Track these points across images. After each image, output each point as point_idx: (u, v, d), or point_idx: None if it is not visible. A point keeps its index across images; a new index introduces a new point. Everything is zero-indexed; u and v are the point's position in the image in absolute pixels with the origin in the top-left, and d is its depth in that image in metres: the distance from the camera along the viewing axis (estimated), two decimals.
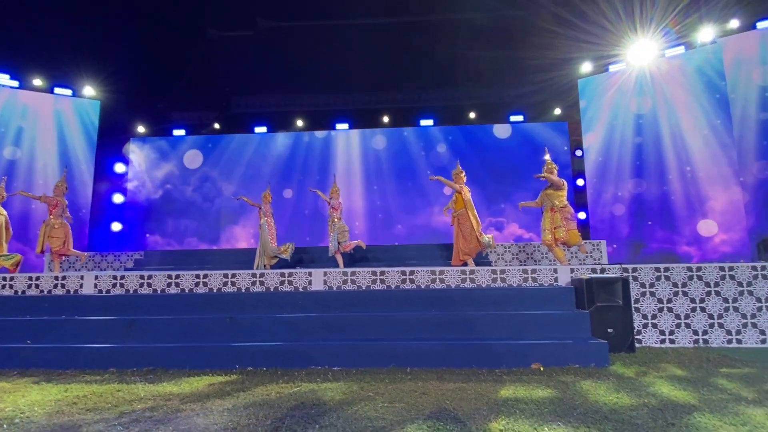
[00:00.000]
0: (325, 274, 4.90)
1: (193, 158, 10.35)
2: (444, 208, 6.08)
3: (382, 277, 4.87)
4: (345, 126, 10.23)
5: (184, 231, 10.04)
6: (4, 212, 5.53)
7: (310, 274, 4.90)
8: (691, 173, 8.31)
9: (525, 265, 7.35)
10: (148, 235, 10.08)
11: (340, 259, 6.22)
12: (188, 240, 10.00)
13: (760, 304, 4.46)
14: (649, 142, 8.76)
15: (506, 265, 7.34)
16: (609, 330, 4.11)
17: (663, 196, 8.57)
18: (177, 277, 4.98)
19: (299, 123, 10.26)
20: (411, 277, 4.87)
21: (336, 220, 6.37)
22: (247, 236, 9.68)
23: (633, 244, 8.59)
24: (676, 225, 8.37)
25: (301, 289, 4.83)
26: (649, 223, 8.52)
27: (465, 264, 5.89)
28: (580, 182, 9.59)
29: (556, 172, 5.84)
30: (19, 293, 5.01)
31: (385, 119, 10.12)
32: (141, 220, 10.19)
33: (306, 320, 4.14)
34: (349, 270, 4.94)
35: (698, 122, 8.30)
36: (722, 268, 4.55)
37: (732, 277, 4.52)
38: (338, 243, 6.18)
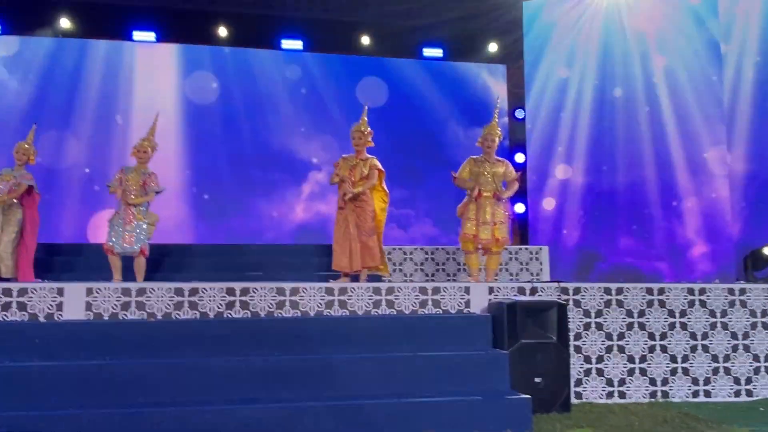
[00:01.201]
0: (89, 292, 4.59)
1: None
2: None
3: (192, 299, 4.70)
4: (149, 36, 9.66)
5: None
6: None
7: (60, 291, 4.57)
8: (670, 157, 9.41)
9: (433, 280, 7.66)
10: None
11: (140, 267, 6.10)
12: None
13: (735, 342, 5.17)
14: (620, 105, 9.69)
15: (399, 282, 7.64)
16: (536, 379, 4.40)
17: (632, 187, 9.58)
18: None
19: (65, 23, 9.48)
20: (243, 298, 4.76)
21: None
22: None
23: (585, 254, 9.48)
24: (646, 228, 9.43)
25: (43, 319, 4.52)
26: (609, 225, 9.47)
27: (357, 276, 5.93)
28: (519, 158, 10.26)
29: (498, 141, 6.20)
30: None
31: (221, 32, 9.73)
32: None
33: (46, 373, 3.87)
34: (133, 286, 4.68)
35: (684, 79, 9.36)
36: (690, 291, 5.17)
37: (703, 304, 5.17)
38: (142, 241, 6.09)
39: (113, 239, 6.00)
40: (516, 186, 6.27)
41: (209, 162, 9.64)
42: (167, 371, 4.00)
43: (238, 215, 9.58)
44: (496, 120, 6.32)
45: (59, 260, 7.04)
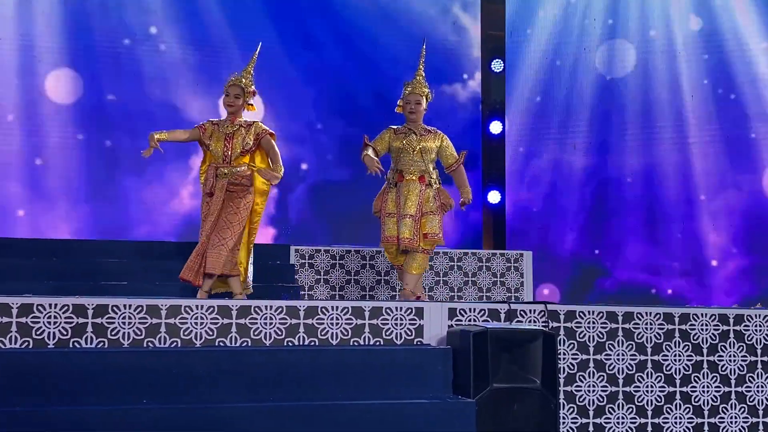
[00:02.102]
0: None
1: None
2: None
3: (23, 320, 4.61)
4: None
5: None
6: None
7: None
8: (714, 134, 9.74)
9: (372, 296, 7.72)
10: None
11: None
12: None
13: None
14: (642, 58, 9.95)
15: (321, 294, 7.65)
16: None
17: (648, 174, 9.89)
18: None
19: None
20: (98, 320, 4.69)
21: None
22: None
23: (583, 267, 9.73)
24: (666, 232, 9.74)
25: None
26: (616, 226, 9.75)
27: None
28: (495, 128, 10.41)
29: (425, 103, 6.35)
30: None
31: None
32: None
33: None
34: None
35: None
36: (724, 319, 5.37)
37: (739, 337, 5.37)
38: None
39: None
40: (462, 172, 6.43)
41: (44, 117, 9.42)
42: None
43: (93, 199, 9.39)
44: (422, 71, 6.45)
45: None
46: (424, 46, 6.68)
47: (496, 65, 10.54)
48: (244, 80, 6.23)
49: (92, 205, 9.25)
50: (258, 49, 6.46)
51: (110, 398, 4.34)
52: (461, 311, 5.06)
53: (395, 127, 6.46)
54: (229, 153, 6.08)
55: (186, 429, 4.17)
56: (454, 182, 6.57)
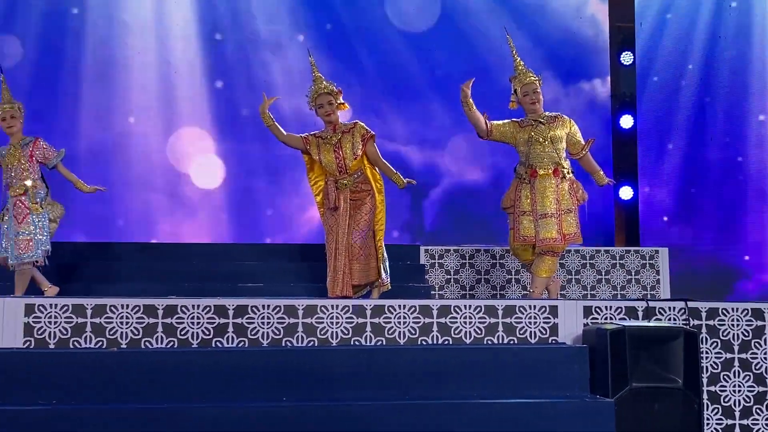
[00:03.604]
0: (30, 310, 4.72)
1: None
2: None
3: (168, 320, 4.79)
4: None
5: None
6: None
7: None
8: None
9: (503, 294, 7.68)
10: None
11: (25, 278, 6.43)
12: None
13: None
14: None
15: (451, 293, 7.63)
16: None
17: None
18: None
19: None
20: (238, 320, 4.83)
21: (37, 185, 6.52)
22: None
23: (720, 268, 9.34)
24: None
25: None
26: (759, 224, 9.32)
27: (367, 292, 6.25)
28: (626, 122, 10.15)
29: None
30: None
31: None
32: None
33: None
34: (88, 302, 4.78)
35: None
36: None
37: None
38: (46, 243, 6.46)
39: (5, 245, 6.37)
40: (590, 157, 6.27)
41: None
42: (132, 421, 4.13)
43: (230, 207, 9.66)
44: (521, 60, 6.29)
45: None
46: (509, 36, 6.50)
47: (626, 58, 10.25)
48: (329, 85, 6.23)
49: (229, 212, 9.49)
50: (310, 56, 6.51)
51: (250, 396, 4.46)
52: (597, 309, 4.98)
53: (518, 120, 6.25)
54: (343, 163, 6.13)
55: (323, 426, 4.23)
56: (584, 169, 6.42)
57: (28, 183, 6.37)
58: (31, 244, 6.26)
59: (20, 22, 9.20)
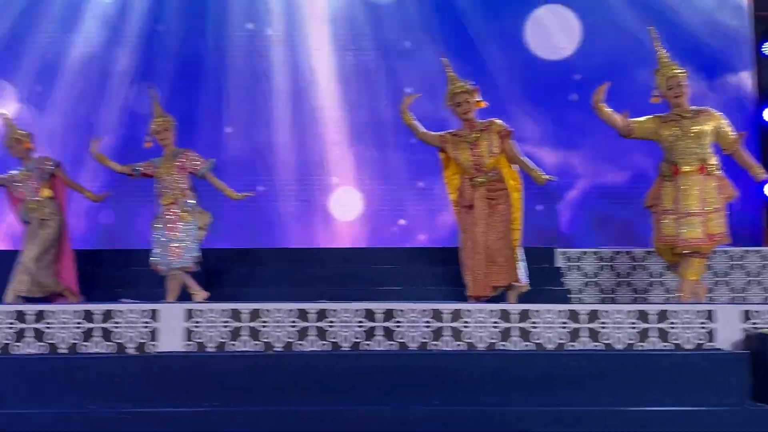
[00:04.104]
0: (189, 315, 4.92)
1: None
2: None
3: (320, 324, 4.91)
4: None
5: None
6: None
7: (154, 315, 4.93)
8: None
9: (645, 298, 7.51)
10: None
11: (177, 284, 6.65)
12: None
13: None
14: None
15: (589, 297, 7.48)
16: None
17: None
18: None
19: None
20: (386, 324, 4.91)
21: (186, 194, 6.77)
22: None
23: None
24: None
25: (133, 351, 4.89)
26: None
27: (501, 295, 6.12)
28: None
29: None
30: None
31: None
32: None
33: (139, 422, 4.22)
34: (244, 308, 4.95)
35: None
36: None
37: None
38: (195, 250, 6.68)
39: (157, 251, 6.60)
40: (743, 151, 5.98)
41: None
42: (287, 423, 4.27)
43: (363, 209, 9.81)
44: (665, 52, 6.09)
45: (102, 272, 7.68)
46: (652, 28, 6.31)
47: None
48: (465, 83, 6.17)
49: (364, 216, 9.64)
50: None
51: (402, 398, 4.50)
52: (757, 314, 4.80)
53: (660, 115, 6.03)
54: (479, 161, 6.08)
55: (473, 430, 4.25)
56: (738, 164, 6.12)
57: (178, 193, 6.66)
58: (180, 251, 6.51)
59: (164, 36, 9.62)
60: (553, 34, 9.41)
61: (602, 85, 6.02)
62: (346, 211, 9.40)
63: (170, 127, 6.82)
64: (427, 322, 4.92)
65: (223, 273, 7.50)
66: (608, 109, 6.02)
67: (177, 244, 6.52)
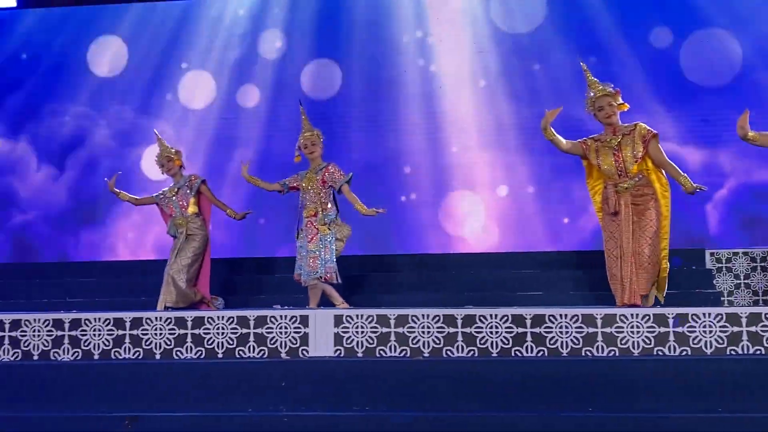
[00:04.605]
0: (339, 321, 5.01)
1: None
2: None
3: (467, 330, 4.92)
4: None
5: (29, 223, 10.63)
6: None
7: (304, 321, 5.04)
8: None
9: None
10: None
11: (332, 293, 6.83)
12: (32, 237, 10.57)
13: None
14: None
15: (741, 300, 7.31)
16: None
17: None
18: (14, 326, 5.24)
19: None
20: (535, 330, 4.87)
21: (326, 208, 6.91)
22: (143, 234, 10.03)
23: None
24: None
25: (285, 356, 5.01)
26: None
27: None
28: None
29: None
30: None
31: None
32: None
33: (296, 425, 4.35)
34: (391, 313, 5.01)
35: None
36: None
37: None
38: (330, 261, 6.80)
39: (299, 262, 6.78)
40: None
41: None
42: (434, 429, 4.33)
43: (497, 215, 9.71)
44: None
45: (241, 279, 8.00)
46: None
47: None
48: (606, 87, 6.10)
49: (500, 221, 9.59)
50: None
51: (550, 404, 4.47)
52: None
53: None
54: (623, 166, 5.96)
55: None
56: None
57: (319, 205, 6.77)
58: (317, 262, 6.65)
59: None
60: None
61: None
62: (481, 216, 9.39)
63: (317, 141, 6.97)
64: (578, 327, 4.85)
65: (362, 280, 7.63)
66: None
67: (314, 256, 6.65)
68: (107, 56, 10.58)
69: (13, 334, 5.19)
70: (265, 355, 5.02)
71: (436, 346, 4.92)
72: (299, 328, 5.03)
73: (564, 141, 6.18)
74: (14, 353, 5.17)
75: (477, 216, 9.41)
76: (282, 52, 10.09)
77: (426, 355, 4.91)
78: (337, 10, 9.97)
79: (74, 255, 10.17)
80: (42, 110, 10.60)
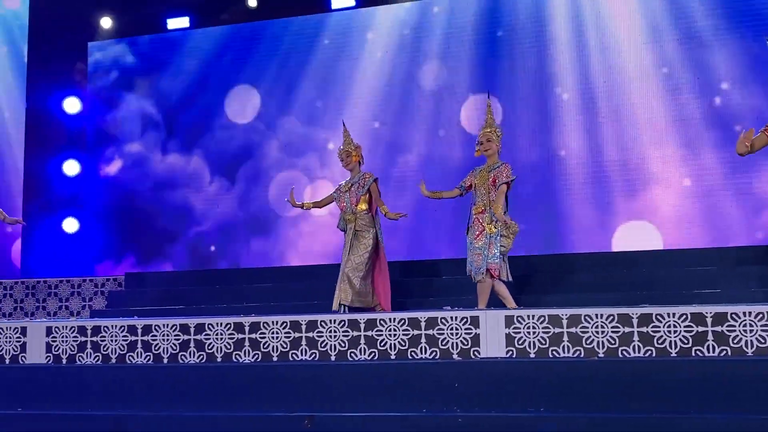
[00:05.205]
0: (512, 322, 4.98)
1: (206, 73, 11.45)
2: None
3: (643, 329, 4.80)
4: None
5: (203, 234, 11.25)
6: None
7: (475, 322, 5.07)
8: None
9: None
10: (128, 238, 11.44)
11: (502, 291, 6.81)
12: (211, 248, 11.19)
13: None
14: None
15: None
16: None
17: None
18: (199, 329, 5.50)
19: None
20: (717, 328, 4.70)
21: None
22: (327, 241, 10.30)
23: None
24: None
25: (456, 357, 5.06)
26: None
27: None
28: None
29: None
30: None
31: None
32: (121, 212, 11.56)
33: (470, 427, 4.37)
34: (564, 312, 4.95)
35: None
36: None
37: None
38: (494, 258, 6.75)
39: (468, 260, 6.80)
40: None
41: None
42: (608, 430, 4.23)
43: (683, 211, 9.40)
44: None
45: (410, 282, 8.09)
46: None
47: None
48: None
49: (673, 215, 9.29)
50: None
51: (735, 407, 4.30)
52: None
53: None
54: None
55: None
56: None
57: (488, 203, 6.77)
58: (481, 258, 6.66)
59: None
60: None
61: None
62: (649, 212, 9.13)
63: (494, 138, 6.97)
64: (764, 325, 4.61)
65: (531, 279, 7.57)
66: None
67: (479, 253, 6.67)
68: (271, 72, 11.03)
69: (198, 337, 5.48)
70: (437, 356, 5.07)
71: (611, 346, 4.82)
72: (470, 329, 5.05)
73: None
74: (199, 356, 5.45)
75: (653, 213, 9.13)
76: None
77: (601, 355, 4.81)
78: None
79: (246, 263, 10.65)
80: (213, 125, 11.16)
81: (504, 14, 9.96)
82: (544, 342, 4.92)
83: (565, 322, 4.90)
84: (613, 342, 4.80)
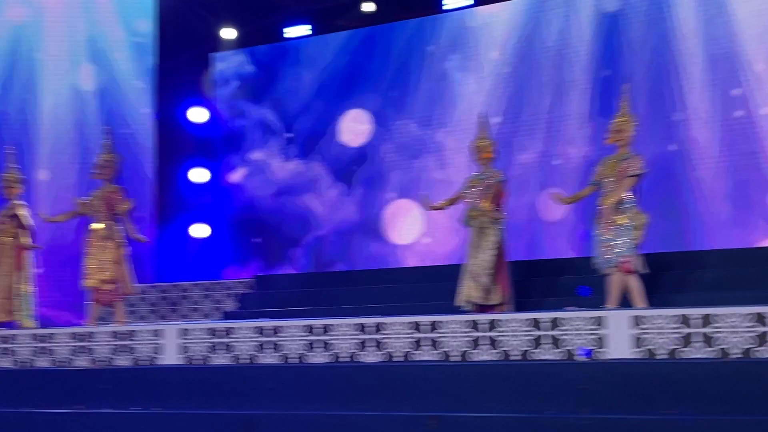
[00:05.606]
0: (639, 323, 4.88)
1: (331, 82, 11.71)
2: None
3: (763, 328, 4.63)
4: None
5: (323, 235, 11.54)
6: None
7: (601, 323, 5.00)
8: None
9: None
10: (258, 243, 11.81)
11: (634, 288, 6.63)
12: (326, 249, 11.46)
13: None
14: None
15: None
16: None
17: None
18: (325, 330, 5.63)
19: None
20: None
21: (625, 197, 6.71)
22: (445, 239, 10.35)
23: None
24: None
25: (583, 357, 4.98)
26: None
27: None
28: None
29: None
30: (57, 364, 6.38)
31: None
32: (245, 218, 11.93)
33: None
34: (693, 313, 4.80)
35: None
36: None
37: None
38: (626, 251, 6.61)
39: (596, 251, 6.71)
40: None
41: None
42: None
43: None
44: None
45: (531, 282, 8.02)
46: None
47: None
48: None
49: None
50: None
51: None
52: None
53: None
54: None
55: None
56: None
57: (615, 197, 6.63)
58: (610, 251, 6.54)
59: None
60: None
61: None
62: None
63: (628, 128, 6.83)
64: None
65: (659, 278, 7.37)
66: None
67: (608, 245, 6.56)
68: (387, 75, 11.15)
69: (325, 338, 5.60)
70: (564, 357, 5.02)
71: (745, 346, 4.66)
72: (595, 329, 4.98)
73: None
74: (329, 355, 5.57)
75: None
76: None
77: (737, 355, 4.65)
78: None
79: (363, 265, 10.77)
80: (331, 130, 11.36)
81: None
82: (674, 342, 4.79)
83: (696, 322, 4.76)
84: (747, 342, 4.64)
